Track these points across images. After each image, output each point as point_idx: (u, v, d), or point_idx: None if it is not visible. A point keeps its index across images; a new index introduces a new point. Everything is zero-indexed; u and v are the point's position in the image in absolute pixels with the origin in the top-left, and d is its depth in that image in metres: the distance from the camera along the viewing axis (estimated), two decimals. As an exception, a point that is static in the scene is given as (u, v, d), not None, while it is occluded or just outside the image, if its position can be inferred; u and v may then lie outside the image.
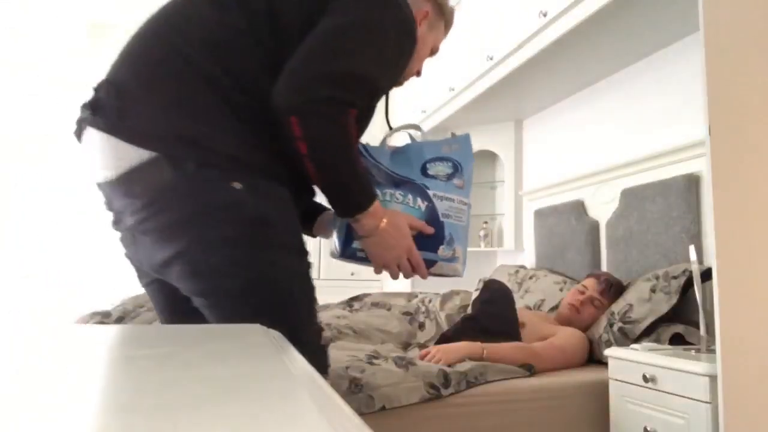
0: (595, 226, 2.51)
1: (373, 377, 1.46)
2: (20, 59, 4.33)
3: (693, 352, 1.57)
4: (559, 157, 3.01)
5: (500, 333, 1.86)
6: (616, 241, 2.34)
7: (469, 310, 2.12)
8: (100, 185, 0.95)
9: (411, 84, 3.63)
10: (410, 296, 2.51)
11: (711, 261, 1.34)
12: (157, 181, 0.86)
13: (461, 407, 1.52)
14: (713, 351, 1.48)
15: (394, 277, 1.07)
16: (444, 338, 1.89)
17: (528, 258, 3.05)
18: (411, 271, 1.06)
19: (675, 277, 1.86)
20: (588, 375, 1.75)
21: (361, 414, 1.40)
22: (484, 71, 2.75)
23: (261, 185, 0.91)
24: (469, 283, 3.51)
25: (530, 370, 1.70)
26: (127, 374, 0.51)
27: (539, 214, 2.93)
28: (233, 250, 0.88)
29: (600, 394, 1.67)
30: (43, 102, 4.45)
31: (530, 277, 2.65)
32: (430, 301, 2.36)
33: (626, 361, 1.59)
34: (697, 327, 1.67)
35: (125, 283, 3.59)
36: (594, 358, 1.93)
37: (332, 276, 4.00)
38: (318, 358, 0.99)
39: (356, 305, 2.36)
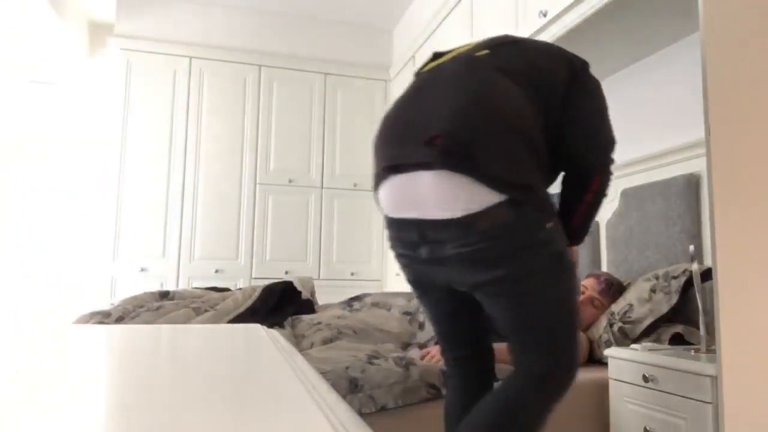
0: (595, 226, 2.51)
1: (373, 377, 1.46)
2: (20, 59, 4.33)
3: (693, 352, 1.57)
4: (559, 157, 3.01)
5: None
6: (616, 241, 2.34)
7: None
8: (415, 221, 1.13)
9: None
10: (410, 296, 2.51)
11: (711, 261, 1.34)
12: (501, 218, 1.08)
13: (461, 407, 1.52)
14: (713, 351, 1.48)
15: None
16: None
17: (528, 258, 3.04)
18: None
19: (675, 277, 1.86)
20: (588, 375, 1.75)
21: (361, 414, 1.40)
22: (484, 71, 2.75)
23: (558, 225, 1.18)
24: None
25: (530, 370, 1.69)
26: (127, 374, 0.51)
27: (539, 214, 2.93)
28: (543, 277, 1.13)
29: (600, 394, 1.67)
30: (43, 102, 4.44)
31: (530, 277, 2.65)
32: None
33: (626, 361, 1.59)
34: (697, 327, 1.67)
35: (125, 283, 3.59)
36: (594, 358, 1.93)
37: (332, 276, 4.00)
38: (567, 370, 1.20)
39: (356, 305, 2.36)
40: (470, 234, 1.08)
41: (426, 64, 1.36)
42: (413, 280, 1.29)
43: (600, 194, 1.27)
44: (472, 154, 1.07)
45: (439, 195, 1.08)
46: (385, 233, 1.24)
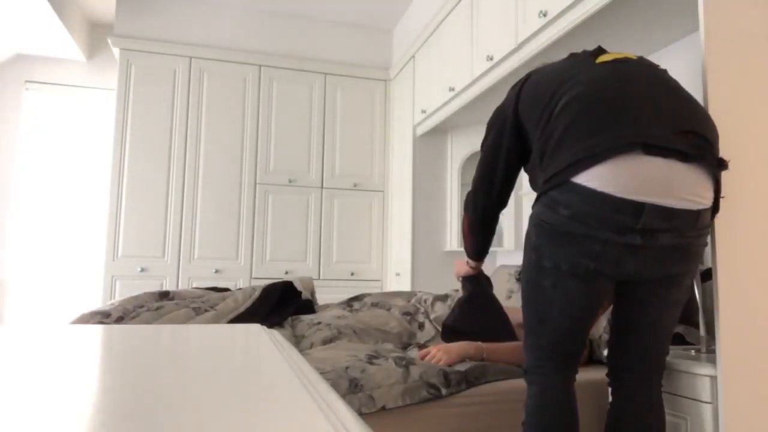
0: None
1: (374, 377, 1.46)
2: (20, 59, 4.33)
3: (693, 352, 1.57)
4: (559, 157, 3.01)
5: (489, 335, 1.86)
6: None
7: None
8: (647, 205, 1.13)
9: (411, 84, 3.64)
10: (410, 296, 2.51)
11: (711, 261, 1.34)
12: (708, 219, 1.20)
13: (461, 407, 1.52)
14: (713, 351, 1.48)
15: None
16: (448, 329, 1.92)
17: (528, 258, 3.04)
18: None
19: (675, 277, 1.85)
20: (588, 375, 1.75)
21: (361, 414, 1.40)
22: (484, 71, 2.75)
23: None
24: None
25: (530, 370, 1.69)
26: (127, 374, 0.51)
27: (539, 214, 2.92)
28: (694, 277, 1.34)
29: (600, 394, 1.67)
30: (42, 102, 4.45)
31: (530, 277, 2.65)
32: (426, 301, 2.36)
33: (626, 361, 1.58)
34: (697, 327, 1.67)
35: (125, 283, 3.59)
36: (594, 358, 1.93)
37: (332, 276, 4.00)
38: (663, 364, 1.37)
39: (356, 305, 2.36)
40: (691, 227, 1.17)
41: (597, 53, 1.37)
42: (581, 271, 1.21)
43: None
44: (715, 157, 1.19)
45: (689, 187, 1.14)
46: (555, 214, 1.20)
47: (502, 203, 1.60)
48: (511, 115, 1.46)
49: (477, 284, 1.98)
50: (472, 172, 3.86)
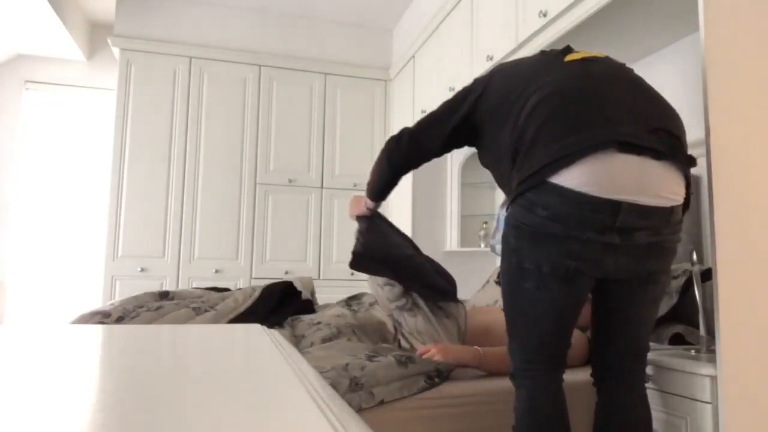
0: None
1: (374, 374, 1.47)
2: (19, 59, 4.33)
3: (693, 352, 1.57)
4: (559, 157, 3.01)
5: (402, 252, 1.92)
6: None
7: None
8: (624, 204, 1.14)
9: (411, 84, 3.65)
10: (410, 296, 2.50)
11: (711, 261, 1.34)
12: (681, 214, 1.23)
13: (461, 406, 1.52)
14: (713, 351, 1.48)
15: None
16: (360, 256, 1.92)
17: (528, 258, 3.04)
18: None
19: (675, 277, 1.86)
20: (588, 375, 1.75)
21: (360, 410, 1.41)
22: (484, 71, 2.75)
23: None
24: (465, 284, 3.49)
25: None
26: (127, 374, 0.51)
27: (539, 214, 2.92)
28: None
29: (594, 394, 1.66)
30: (42, 102, 4.44)
31: (530, 277, 2.64)
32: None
33: (626, 361, 1.58)
34: (697, 327, 1.67)
35: (125, 283, 3.59)
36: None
37: (332, 276, 4.00)
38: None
39: (354, 305, 2.36)
40: (666, 224, 1.18)
41: (565, 52, 1.37)
42: (562, 271, 1.19)
43: None
44: (685, 154, 1.21)
45: (663, 184, 1.16)
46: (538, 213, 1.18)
47: (414, 164, 1.64)
48: (472, 102, 1.45)
49: (372, 220, 1.99)
50: (472, 172, 3.86)
